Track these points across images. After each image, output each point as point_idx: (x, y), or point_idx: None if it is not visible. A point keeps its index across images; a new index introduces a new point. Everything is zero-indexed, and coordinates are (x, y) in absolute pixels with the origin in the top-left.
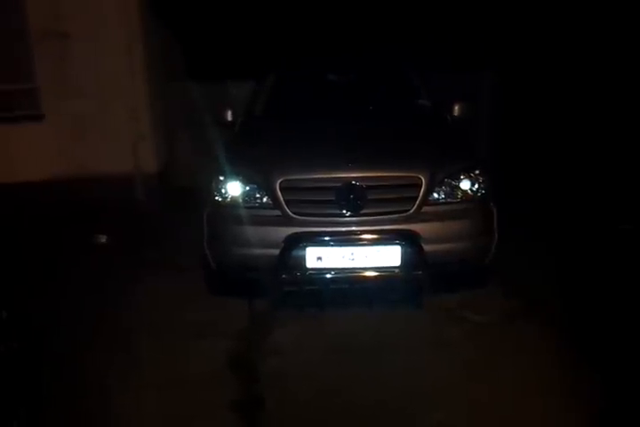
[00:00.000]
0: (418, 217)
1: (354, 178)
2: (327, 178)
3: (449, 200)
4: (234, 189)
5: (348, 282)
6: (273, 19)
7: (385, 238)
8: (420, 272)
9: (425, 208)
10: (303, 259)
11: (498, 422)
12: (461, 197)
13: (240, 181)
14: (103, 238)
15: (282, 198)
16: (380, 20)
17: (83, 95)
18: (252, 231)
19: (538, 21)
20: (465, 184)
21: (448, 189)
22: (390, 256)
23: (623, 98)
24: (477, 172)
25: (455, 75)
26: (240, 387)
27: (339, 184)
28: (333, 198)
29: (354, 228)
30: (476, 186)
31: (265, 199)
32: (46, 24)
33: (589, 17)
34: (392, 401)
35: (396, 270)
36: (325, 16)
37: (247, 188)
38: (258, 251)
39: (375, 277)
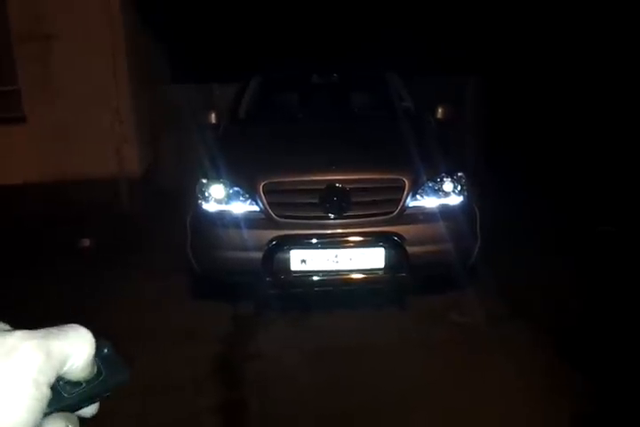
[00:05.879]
0: (401, 219)
1: (337, 180)
2: (311, 180)
3: (432, 202)
4: (217, 191)
5: (333, 284)
6: (257, 22)
7: (369, 241)
8: (404, 274)
9: (408, 210)
10: (287, 262)
11: None
12: (444, 200)
13: (223, 183)
14: (86, 242)
15: (265, 201)
16: (366, 23)
17: (65, 97)
18: (235, 234)
19: (525, 25)
20: (448, 187)
21: (431, 191)
22: (374, 258)
23: (609, 100)
24: (460, 174)
25: (441, 78)
26: (223, 391)
27: (322, 186)
28: (317, 201)
29: (338, 230)
30: (459, 188)
31: (248, 202)
32: (29, 25)
33: (577, 20)
34: (372, 403)
35: (380, 272)
36: (311, 19)
37: (230, 190)
38: (241, 254)
39: (359, 279)
